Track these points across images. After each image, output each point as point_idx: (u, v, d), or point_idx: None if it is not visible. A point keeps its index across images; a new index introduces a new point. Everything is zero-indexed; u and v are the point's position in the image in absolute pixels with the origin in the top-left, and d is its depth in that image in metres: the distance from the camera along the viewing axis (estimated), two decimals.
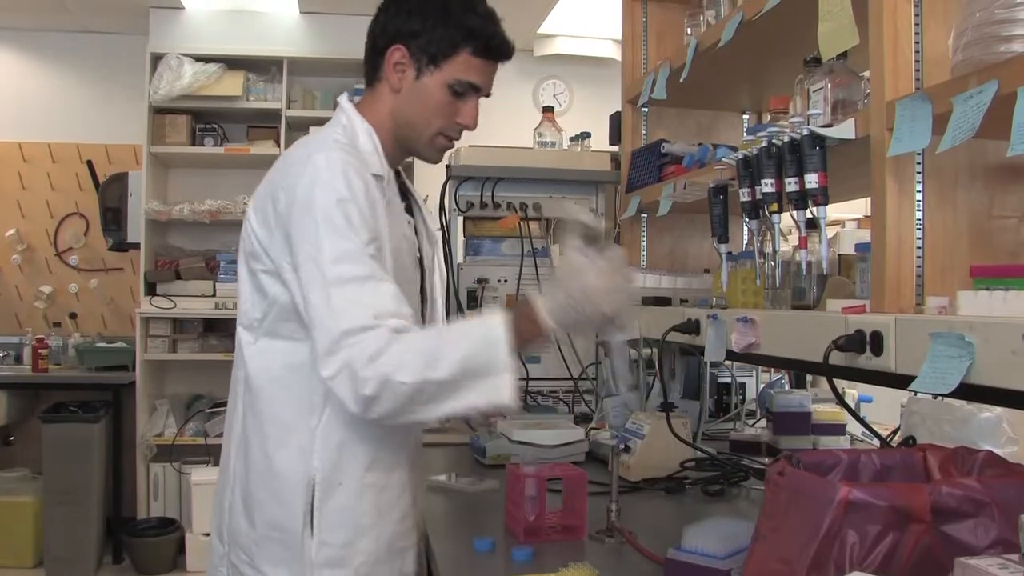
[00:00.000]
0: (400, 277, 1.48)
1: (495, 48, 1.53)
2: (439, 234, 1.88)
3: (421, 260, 1.68)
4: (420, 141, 1.57)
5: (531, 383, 2.85)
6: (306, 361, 1.43)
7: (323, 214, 1.37)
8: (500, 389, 1.33)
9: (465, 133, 1.61)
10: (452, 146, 1.62)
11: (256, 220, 1.50)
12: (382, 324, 1.32)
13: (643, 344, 2.41)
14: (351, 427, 1.46)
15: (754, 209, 1.73)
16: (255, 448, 1.51)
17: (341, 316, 1.33)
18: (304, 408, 1.47)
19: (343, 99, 1.60)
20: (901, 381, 1.22)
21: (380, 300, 1.35)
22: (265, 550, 1.49)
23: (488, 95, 1.59)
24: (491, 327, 1.35)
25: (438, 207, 2.89)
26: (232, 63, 4.76)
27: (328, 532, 1.46)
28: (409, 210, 1.67)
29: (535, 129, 3.19)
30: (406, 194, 1.68)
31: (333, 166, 1.41)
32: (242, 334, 1.54)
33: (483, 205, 2.94)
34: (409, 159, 1.68)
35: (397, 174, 1.65)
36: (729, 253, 1.97)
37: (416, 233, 1.67)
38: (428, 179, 2.86)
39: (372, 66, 1.57)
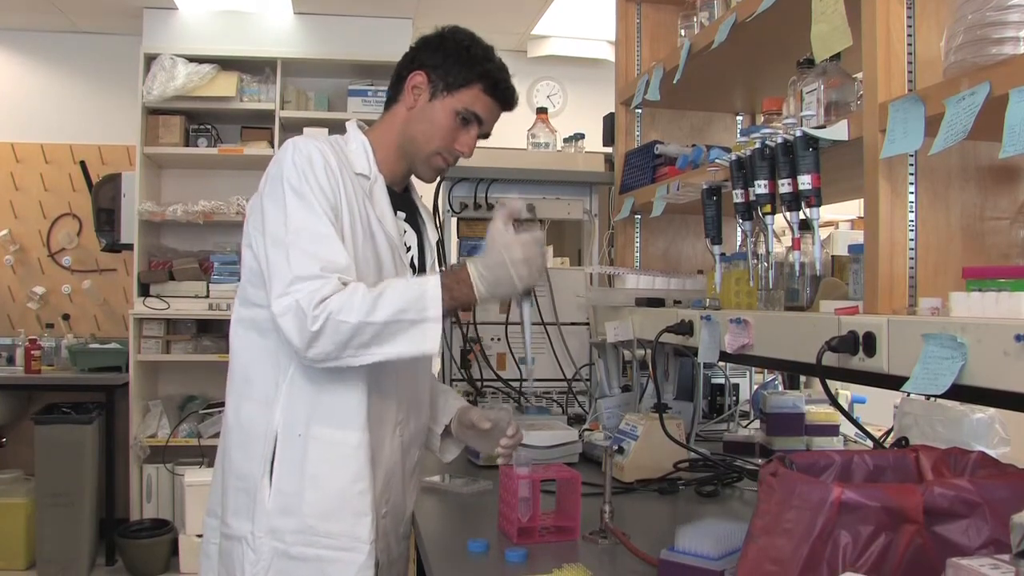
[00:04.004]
0: (367, 266, 1.62)
1: (503, 91, 1.72)
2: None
3: (424, 269, 1.81)
4: (419, 156, 1.73)
5: (525, 384, 2.85)
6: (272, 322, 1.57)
7: (289, 183, 1.55)
8: (426, 338, 1.49)
9: None
10: (446, 169, 1.78)
11: (249, 207, 1.68)
12: (331, 276, 1.49)
13: (637, 345, 2.42)
14: (314, 383, 1.59)
15: (747, 210, 1.74)
16: (230, 407, 1.67)
17: (295, 264, 1.50)
18: (271, 365, 1.61)
19: (350, 124, 1.78)
20: (894, 382, 1.22)
21: (332, 255, 1.52)
22: (231, 501, 1.63)
23: (487, 135, 1.76)
24: (425, 284, 1.52)
25: (432, 208, 2.89)
26: (226, 64, 4.75)
27: (282, 480, 1.58)
28: (412, 221, 1.81)
29: (529, 130, 3.19)
30: (412, 209, 1.83)
31: (301, 146, 1.60)
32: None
33: (477, 206, 2.94)
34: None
35: (406, 189, 1.83)
36: (722, 254, 1.97)
37: (422, 248, 1.82)
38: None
39: (394, 91, 1.76)
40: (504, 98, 1.73)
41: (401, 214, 1.77)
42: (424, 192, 1.91)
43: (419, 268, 1.80)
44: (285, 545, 1.57)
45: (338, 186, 1.59)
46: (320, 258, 1.50)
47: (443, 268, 1.88)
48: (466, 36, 1.72)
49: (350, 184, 1.63)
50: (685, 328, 1.93)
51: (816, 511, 1.01)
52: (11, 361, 4.83)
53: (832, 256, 1.89)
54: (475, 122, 1.71)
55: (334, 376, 1.57)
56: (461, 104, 1.68)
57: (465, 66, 1.68)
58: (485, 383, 2.78)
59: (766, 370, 2.93)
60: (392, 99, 1.77)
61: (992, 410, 1.97)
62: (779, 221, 1.66)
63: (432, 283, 1.51)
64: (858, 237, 1.57)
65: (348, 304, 1.46)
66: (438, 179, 2.93)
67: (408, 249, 1.76)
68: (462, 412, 1.84)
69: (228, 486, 1.64)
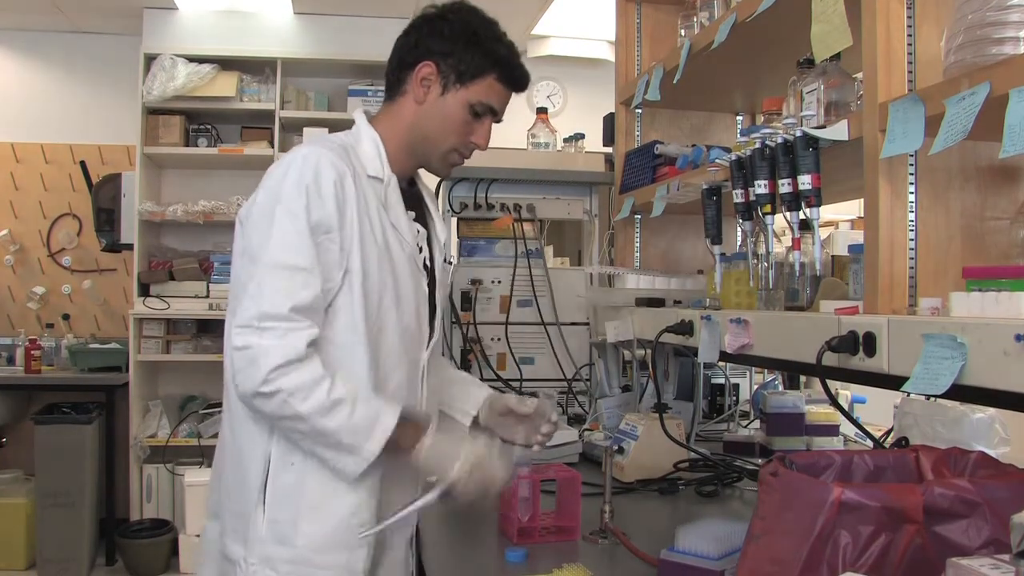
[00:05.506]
0: (384, 277, 1.54)
1: (517, 78, 1.64)
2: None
3: (433, 271, 1.70)
4: (434, 154, 1.65)
5: (525, 384, 2.85)
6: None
7: (284, 201, 1.45)
8: (346, 468, 1.46)
9: None
10: (462, 163, 1.69)
11: (242, 213, 1.58)
12: (301, 322, 1.42)
13: (637, 345, 2.42)
14: None
15: (747, 210, 1.74)
16: (226, 426, 1.59)
17: (266, 296, 1.42)
18: None
19: (357, 114, 1.68)
20: (894, 382, 1.22)
21: (302, 293, 1.43)
22: (228, 522, 1.55)
23: (500, 121, 1.67)
24: (386, 418, 1.46)
25: None
26: (226, 64, 4.75)
27: (276, 509, 1.50)
28: (422, 220, 1.70)
29: (529, 130, 3.19)
30: (420, 204, 1.72)
31: (308, 159, 1.48)
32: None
33: (477, 206, 2.94)
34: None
35: (411, 183, 1.71)
36: (722, 254, 1.97)
37: (430, 244, 1.70)
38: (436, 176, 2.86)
39: (397, 79, 1.65)
40: (519, 84, 1.65)
41: (411, 213, 1.65)
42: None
43: (431, 271, 1.70)
44: (278, 575, 1.49)
45: (346, 203, 1.49)
46: (291, 295, 1.42)
47: (447, 262, 1.78)
48: (473, 16, 1.62)
49: (363, 193, 1.53)
50: (685, 328, 1.93)
51: (816, 511, 1.01)
52: (11, 361, 4.82)
53: (832, 256, 1.89)
54: (490, 113, 1.63)
55: None
56: (476, 97, 1.59)
57: (477, 54, 1.58)
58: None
59: (766, 370, 2.93)
60: (395, 87, 1.65)
61: (992, 410, 1.97)
62: (779, 221, 1.66)
63: (387, 423, 1.45)
64: (858, 237, 1.57)
65: (307, 394, 1.40)
66: (438, 180, 2.94)
67: (420, 250, 1.66)
68: (495, 400, 1.77)
69: (223, 506, 1.57)
